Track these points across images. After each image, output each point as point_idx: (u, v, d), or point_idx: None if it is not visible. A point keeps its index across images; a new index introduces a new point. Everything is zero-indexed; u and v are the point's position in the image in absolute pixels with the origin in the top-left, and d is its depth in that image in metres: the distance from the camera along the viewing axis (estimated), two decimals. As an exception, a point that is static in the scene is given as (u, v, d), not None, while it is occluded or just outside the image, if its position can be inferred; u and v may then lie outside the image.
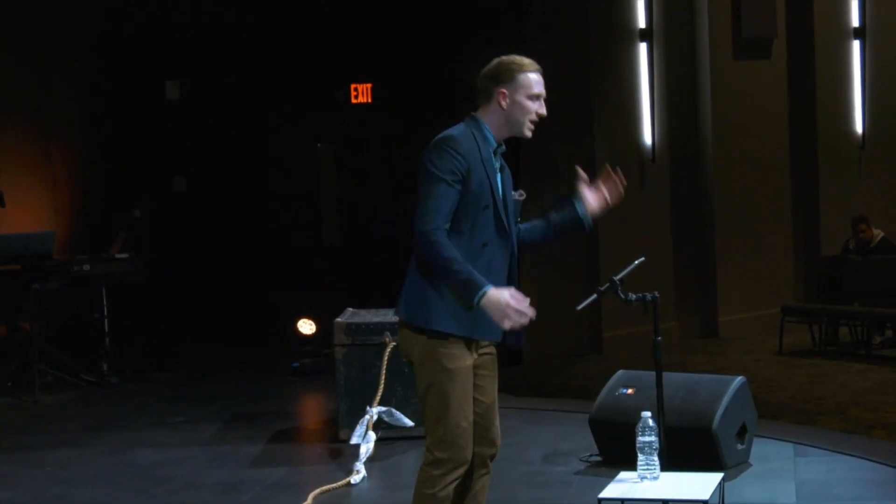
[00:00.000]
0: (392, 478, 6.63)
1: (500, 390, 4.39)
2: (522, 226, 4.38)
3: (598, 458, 6.62)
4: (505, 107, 4.21)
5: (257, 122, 12.12)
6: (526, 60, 4.24)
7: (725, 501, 5.21)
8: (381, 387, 7.12)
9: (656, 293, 5.05)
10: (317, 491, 6.21)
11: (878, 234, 12.02)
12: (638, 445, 4.84)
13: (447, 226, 4.06)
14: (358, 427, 7.00)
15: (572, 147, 11.59)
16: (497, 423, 4.32)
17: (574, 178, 4.40)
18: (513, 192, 4.30)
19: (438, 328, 4.10)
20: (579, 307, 5.01)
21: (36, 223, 11.42)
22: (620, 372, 6.83)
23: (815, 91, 13.44)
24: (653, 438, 4.82)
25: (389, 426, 7.13)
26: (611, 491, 4.80)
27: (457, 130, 4.18)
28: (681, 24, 12.66)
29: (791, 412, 8.52)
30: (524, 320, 3.99)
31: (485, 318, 4.02)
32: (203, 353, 11.47)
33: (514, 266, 4.28)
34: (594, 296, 4.99)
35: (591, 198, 4.37)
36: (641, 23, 12.35)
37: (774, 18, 13.04)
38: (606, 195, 4.39)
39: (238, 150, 12.20)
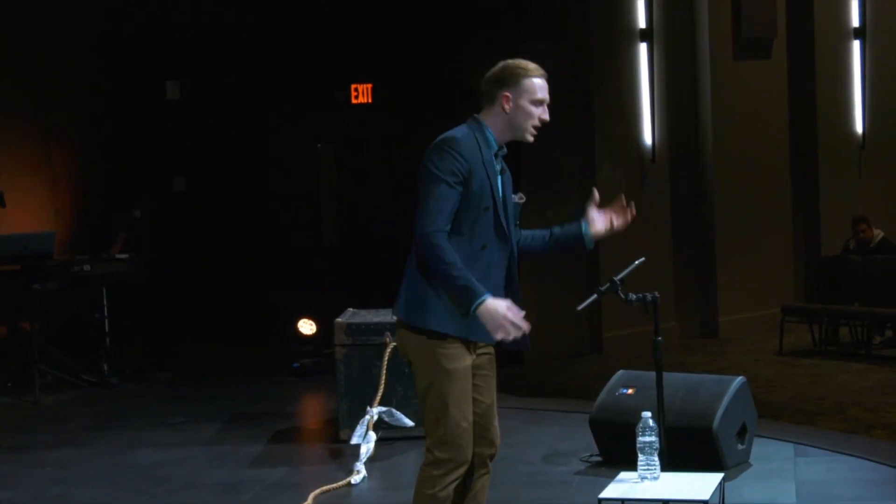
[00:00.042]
0: (392, 478, 6.63)
1: (500, 390, 4.39)
2: (524, 232, 4.38)
3: (599, 459, 6.62)
4: (508, 110, 4.21)
5: (257, 122, 12.13)
6: (531, 65, 4.24)
7: (726, 501, 5.21)
8: (382, 387, 7.12)
9: (656, 293, 5.05)
10: (317, 491, 6.21)
11: (879, 234, 12.02)
12: (638, 445, 4.84)
13: (448, 227, 4.06)
14: (358, 427, 7.01)
15: (572, 147, 11.62)
16: (496, 423, 4.32)
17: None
18: (513, 195, 4.30)
19: (436, 328, 4.10)
20: (580, 307, 5.01)
21: (36, 223, 11.42)
22: (621, 372, 6.83)
23: (816, 91, 13.45)
24: (653, 438, 4.82)
25: (390, 426, 7.13)
26: (611, 491, 4.80)
27: (459, 132, 4.18)
28: (681, 24, 12.67)
29: (791, 412, 8.52)
30: (518, 333, 4.02)
31: (480, 322, 4.03)
32: (203, 353, 11.47)
33: (514, 268, 4.28)
34: (594, 296, 4.98)
35: (598, 219, 4.38)
36: (641, 23, 12.35)
37: (774, 18, 13.04)
38: (613, 220, 4.39)
39: (238, 150, 12.20)
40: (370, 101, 11.98)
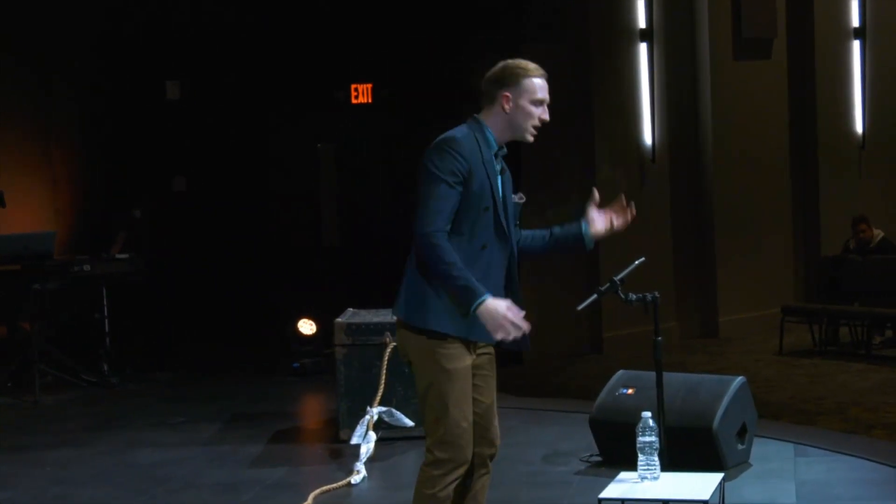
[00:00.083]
0: (392, 478, 6.63)
1: (500, 390, 4.40)
2: (524, 232, 4.38)
3: (599, 459, 6.62)
4: (508, 110, 4.21)
5: (257, 122, 12.13)
6: (531, 65, 4.24)
7: (726, 501, 5.21)
8: (382, 387, 7.12)
9: (657, 293, 5.05)
10: (317, 491, 6.21)
11: (879, 234, 12.02)
12: (638, 445, 4.84)
13: (448, 227, 4.07)
14: (358, 427, 7.01)
15: (572, 147, 11.61)
16: (496, 423, 4.32)
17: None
18: (513, 196, 4.30)
19: (436, 328, 4.10)
20: (580, 307, 5.01)
21: (36, 223, 11.42)
22: (621, 372, 6.83)
23: (816, 91, 13.45)
24: (653, 438, 4.82)
25: (390, 426, 7.13)
26: (611, 491, 4.80)
27: (459, 132, 4.18)
28: (681, 24, 12.67)
29: (791, 412, 8.52)
30: (518, 333, 4.03)
31: (480, 323, 4.03)
32: (203, 353, 11.47)
33: (514, 268, 4.28)
34: (594, 296, 4.99)
35: (598, 219, 4.38)
36: (641, 23, 12.35)
37: (774, 18, 13.04)
38: (613, 220, 4.39)
39: (238, 150, 12.20)
40: (370, 101, 11.97)
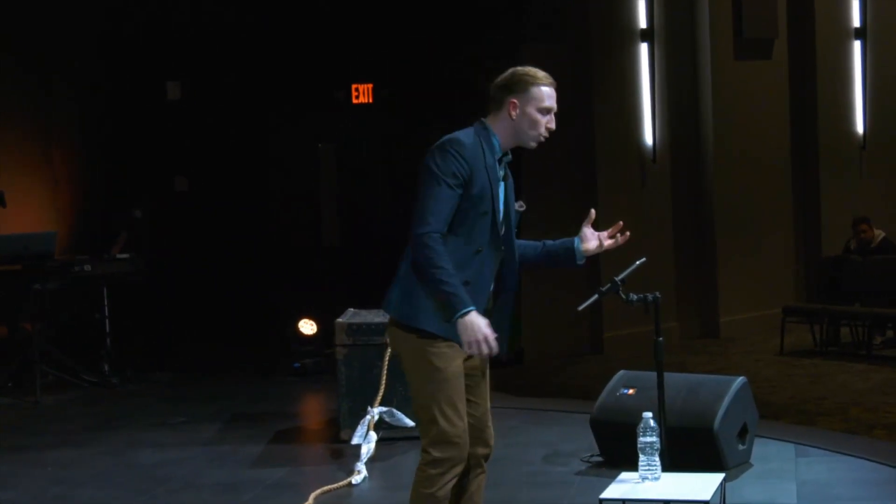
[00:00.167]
0: (393, 478, 6.62)
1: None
2: (519, 241, 4.38)
3: (599, 459, 6.62)
4: (514, 117, 4.21)
5: (258, 123, 12.13)
6: (540, 73, 4.24)
7: (726, 502, 5.20)
8: (383, 387, 7.12)
9: (657, 293, 5.04)
10: (318, 491, 6.21)
11: (879, 234, 12.01)
12: (639, 446, 4.84)
13: (444, 229, 4.07)
14: (359, 427, 7.01)
15: (573, 147, 11.61)
16: (490, 423, 4.33)
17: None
18: (514, 203, 4.30)
19: (427, 328, 4.10)
20: (580, 308, 5.00)
21: (37, 223, 11.42)
22: (621, 372, 6.83)
23: (816, 91, 13.44)
24: (654, 439, 4.82)
25: (390, 426, 7.13)
26: (612, 491, 4.80)
27: (464, 134, 4.18)
28: (681, 24, 12.66)
29: (792, 412, 8.52)
30: (486, 353, 4.04)
31: None
32: (203, 354, 11.47)
33: (510, 275, 4.27)
34: (595, 296, 4.98)
35: (591, 238, 4.40)
36: (642, 23, 12.35)
37: (775, 18, 13.04)
38: (605, 240, 4.41)
39: (238, 151, 12.20)
40: (371, 101, 11.97)
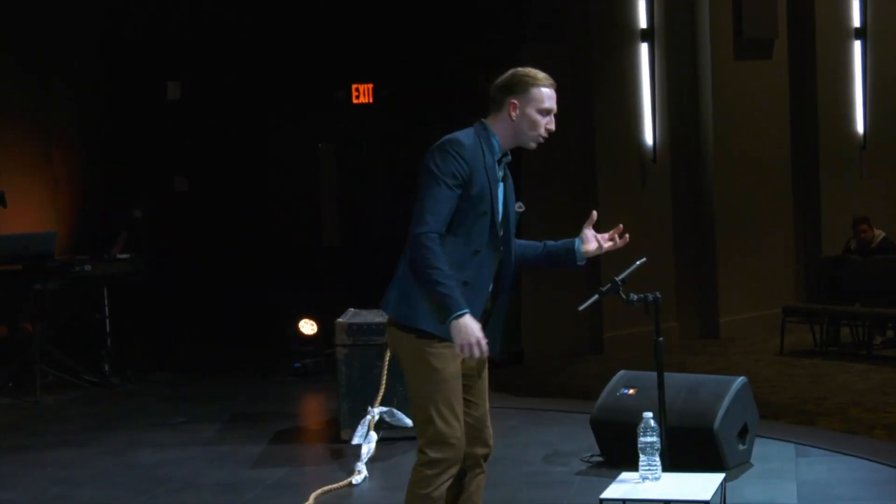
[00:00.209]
0: (393, 478, 6.61)
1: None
2: (518, 241, 4.38)
3: (600, 459, 6.62)
4: (514, 118, 4.21)
5: (258, 123, 12.12)
6: (541, 74, 4.24)
7: (727, 502, 5.20)
8: (383, 387, 7.12)
9: (658, 294, 5.05)
10: (318, 491, 6.21)
11: (880, 234, 12.01)
12: (639, 446, 4.84)
13: (443, 229, 4.07)
14: (359, 427, 7.01)
15: (573, 147, 11.61)
16: (489, 423, 4.33)
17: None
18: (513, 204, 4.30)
19: (425, 328, 4.10)
20: (581, 308, 5.00)
21: (37, 223, 11.42)
22: (621, 372, 6.83)
23: (816, 91, 13.44)
24: (654, 439, 4.82)
25: (391, 426, 7.12)
26: (612, 491, 4.80)
27: (464, 134, 4.18)
28: (682, 24, 12.66)
29: (792, 412, 8.52)
30: (477, 356, 4.03)
31: None
32: (203, 354, 11.47)
33: (508, 276, 4.28)
34: (596, 296, 4.98)
35: (592, 240, 4.40)
36: (642, 23, 12.35)
37: (775, 19, 13.04)
38: (604, 242, 4.40)
39: (239, 151, 12.20)
40: (371, 101, 11.97)
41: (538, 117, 4.22)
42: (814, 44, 13.41)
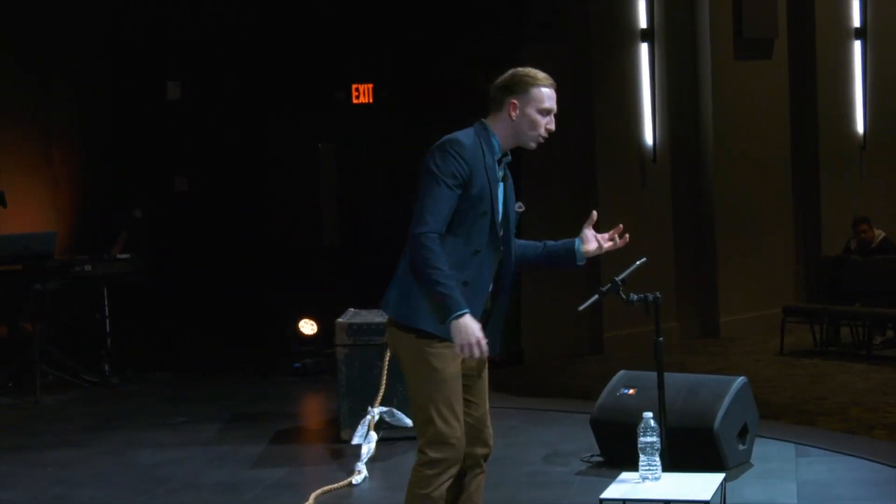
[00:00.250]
0: (393, 478, 6.61)
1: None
2: (518, 241, 4.38)
3: (600, 459, 6.62)
4: (514, 118, 4.21)
5: (258, 122, 12.12)
6: (541, 74, 4.24)
7: (727, 502, 5.20)
8: (383, 387, 7.12)
9: (658, 294, 5.05)
10: (318, 491, 6.21)
11: (880, 234, 12.01)
12: (639, 446, 4.84)
13: (443, 229, 4.07)
14: (359, 427, 7.01)
15: (573, 147, 11.60)
16: (489, 423, 4.33)
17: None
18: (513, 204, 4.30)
19: (425, 328, 4.10)
20: (581, 308, 5.00)
21: (37, 223, 11.42)
22: (622, 372, 6.83)
23: (816, 91, 13.44)
24: (654, 439, 4.82)
25: (391, 426, 7.12)
26: (612, 491, 4.80)
27: (464, 134, 4.18)
28: (682, 24, 12.66)
29: (792, 412, 8.52)
30: (477, 356, 4.02)
31: None
32: (203, 354, 11.46)
33: (507, 276, 4.28)
34: (596, 296, 4.98)
35: (592, 239, 4.39)
36: (642, 23, 12.35)
37: (775, 18, 13.03)
38: (606, 241, 4.39)
39: (238, 151, 12.20)
40: (371, 101, 11.97)
41: (538, 117, 4.21)
42: (814, 44, 13.41)
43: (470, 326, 3.99)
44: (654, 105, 12.36)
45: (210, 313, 11.70)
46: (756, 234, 12.95)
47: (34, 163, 11.90)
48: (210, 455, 7.34)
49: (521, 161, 9.72)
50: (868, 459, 6.52)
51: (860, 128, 13.70)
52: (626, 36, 12.28)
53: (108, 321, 10.29)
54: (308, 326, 10.70)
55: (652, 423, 4.80)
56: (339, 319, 7.54)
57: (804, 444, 6.90)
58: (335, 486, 6.34)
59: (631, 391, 6.53)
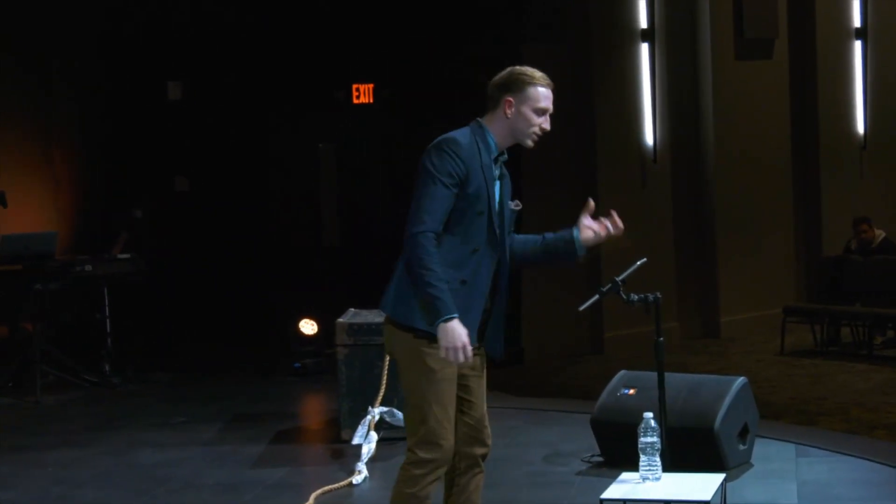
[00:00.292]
0: (393, 478, 6.57)
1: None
2: (517, 237, 4.37)
3: (600, 459, 6.62)
4: (510, 116, 4.21)
5: (258, 123, 12.12)
6: (538, 74, 4.24)
7: (727, 502, 5.20)
8: (383, 387, 7.12)
9: (658, 294, 5.04)
10: (318, 491, 6.21)
11: (880, 234, 12.01)
12: (640, 446, 4.84)
13: (439, 229, 4.07)
14: (360, 427, 7.01)
15: (573, 147, 11.61)
16: (487, 423, 4.33)
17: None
18: (510, 202, 4.29)
19: (423, 328, 4.10)
20: (581, 308, 5.01)
21: (37, 223, 11.42)
22: (622, 372, 6.83)
23: (817, 91, 13.44)
24: (655, 439, 4.82)
25: (391, 426, 7.12)
26: (613, 491, 4.80)
27: (460, 134, 4.18)
28: (682, 24, 12.66)
29: (792, 412, 8.52)
30: (460, 360, 4.01)
31: (464, 323, 4.03)
32: (204, 354, 11.46)
33: (504, 275, 4.27)
34: (596, 296, 4.98)
35: (588, 226, 4.33)
36: (643, 23, 12.35)
37: (776, 18, 13.04)
38: (603, 228, 4.34)
39: (239, 151, 12.19)
40: (371, 101, 11.96)
41: (533, 116, 4.21)
42: (814, 44, 13.41)
43: (457, 331, 3.98)
44: (654, 105, 12.36)
45: (210, 313, 11.69)
46: (756, 233, 12.95)
47: (34, 163, 11.90)
48: (210, 455, 7.34)
49: (520, 161, 9.74)
50: (869, 460, 6.52)
51: (860, 128, 13.70)
52: (627, 36, 12.28)
53: (108, 321, 10.29)
54: (308, 326, 10.69)
55: (652, 423, 4.80)
56: (340, 319, 7.53)
57: (805, 445, 6.89)
58: (335, 486, 6.34)
59: (631, 391, 6.52)
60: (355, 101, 11.95)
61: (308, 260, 11.95)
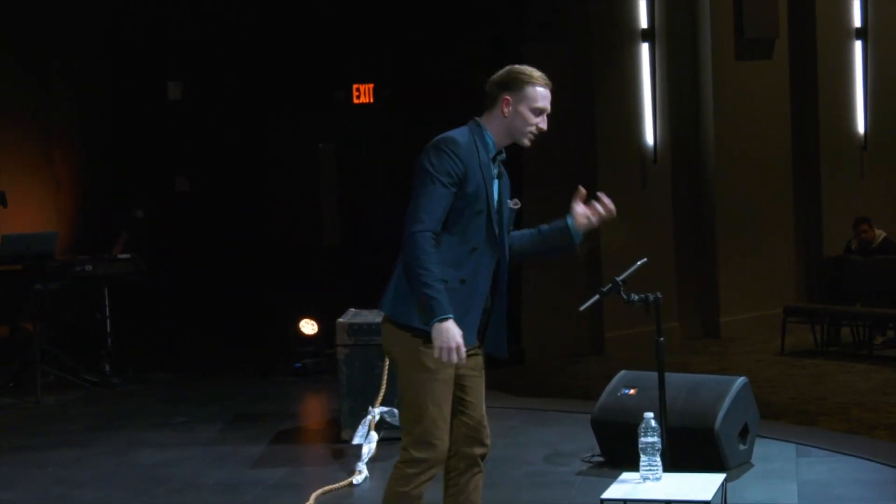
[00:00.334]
0: (393, 478, 6.62)
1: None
2: (514, 233, 4.37)
3: (601, 459, 6.62)
4: (507, 114, 4.21)
5: (258, 123, 12.12)
6: (537, 73, 4.24)
7: (727, 502, 5.20)
8: (384, 387, 7.12)
9: (659, 294, 5.04)
10: (319, 491, 6.21)
11: (880, 234, 12.01)
12: (640, 446, 4.84)
13: (438, 228, 4.07)
14: (360, 427, 7.01)
15: (573, 148, 11.61)
16: (486, 423, 4.33)
17: (573, 191, 4.42)
18: (508, 201, 4.29)
19: (421, 327, 4.10)
20: (582, 308, 5.01)
21: (38, 223, 11.42)
22: (622, 372, 6.83)
23: (817, 91, 13.44)
24: (655, 439, 4.82)
25: (391, 426, 7.11)
26: (613, 491, 4.80)
27: (458, 133, 4.18)
28: (682, 24, 12.66)
29: (793, 413, 8.52)
30: (453, 360, 4.01)
31: (464, 323, 4.04)
32: (204, 354, 11.46)
33: (503, 274, 4.27)
34: (596, 296, 4.98)
35: (581, 212, 4.35)
36: (643, 23, 12.35)
37: (776, 19, 13.03)
38: (595, 212, 4.36)
39: (239, 151, 12.19)
40: (371, 101, 11.96)
41: (530, 116, 4.21)
42: (814, 44, 13.41)
43: (451, 331, 3.99)
44: (654, 105, 12.36)
45: (210, 313, 11.70)
46: (756, 234, 12.95)
47: (35, 163, 11.90)
48: (210, 455, 7.34)
49: (520, 161, 9.75)
50: (869, 460, 6.52)
51: (860, 128, 13.69)
52: (627, 36, 12.28)
53: (108, 321, 10.29)
54: (308, 326, 10.70)
55: (653, 423, 4.80)
56: (340, 319, 7.54)
57: (805, 445, 6.89)
58: (336, 486, 6.34)
59: (632, 391, 6.52)
60: (355, 101, 11.95)
61: (308, 260, 11.95)
